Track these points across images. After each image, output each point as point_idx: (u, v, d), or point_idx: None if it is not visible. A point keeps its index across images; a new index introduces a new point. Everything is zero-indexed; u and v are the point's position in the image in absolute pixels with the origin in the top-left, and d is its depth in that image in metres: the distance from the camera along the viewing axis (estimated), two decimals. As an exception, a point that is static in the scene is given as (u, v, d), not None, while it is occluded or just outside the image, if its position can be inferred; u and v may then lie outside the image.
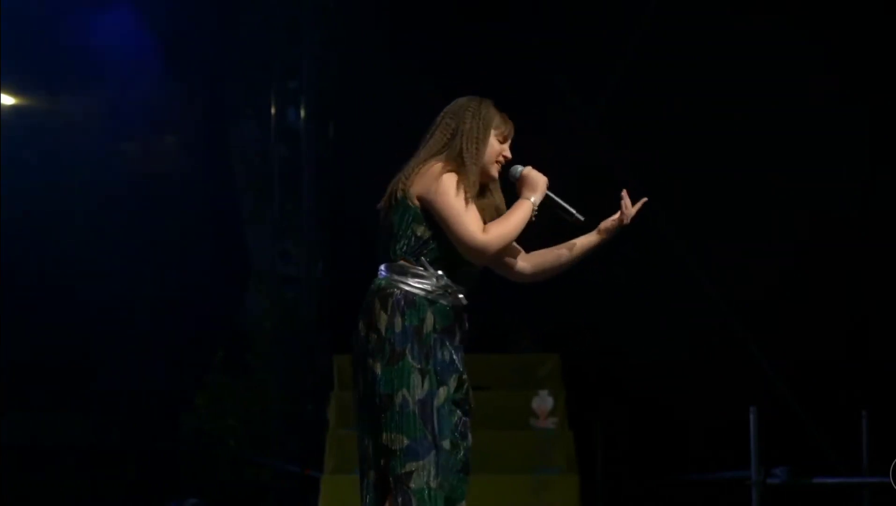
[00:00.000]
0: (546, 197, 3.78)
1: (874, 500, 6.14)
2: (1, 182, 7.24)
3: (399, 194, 3.65)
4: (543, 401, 6.99)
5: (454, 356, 3.67)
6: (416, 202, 3.63)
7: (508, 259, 3.84)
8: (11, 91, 7.64)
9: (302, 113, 8.08)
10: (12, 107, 7.70)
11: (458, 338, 3.70)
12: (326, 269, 8.08)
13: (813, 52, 7.18)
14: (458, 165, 3.66)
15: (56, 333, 7.48)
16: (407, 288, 3.61)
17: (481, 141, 3.71)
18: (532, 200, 3.73)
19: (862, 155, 7.22)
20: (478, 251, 3.64)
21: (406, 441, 3.54)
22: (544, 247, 3.88)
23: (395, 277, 3.64)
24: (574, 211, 3.79)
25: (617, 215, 3.81)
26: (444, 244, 3.64)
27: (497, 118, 3.76)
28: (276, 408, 7.80)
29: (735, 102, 7.27)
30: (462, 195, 3.62)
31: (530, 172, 3.78)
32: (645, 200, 3.81)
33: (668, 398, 7.14)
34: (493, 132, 3.74)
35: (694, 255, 7.21)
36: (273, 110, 8.11)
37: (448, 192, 3.61)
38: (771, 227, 7.23)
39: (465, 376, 3.71)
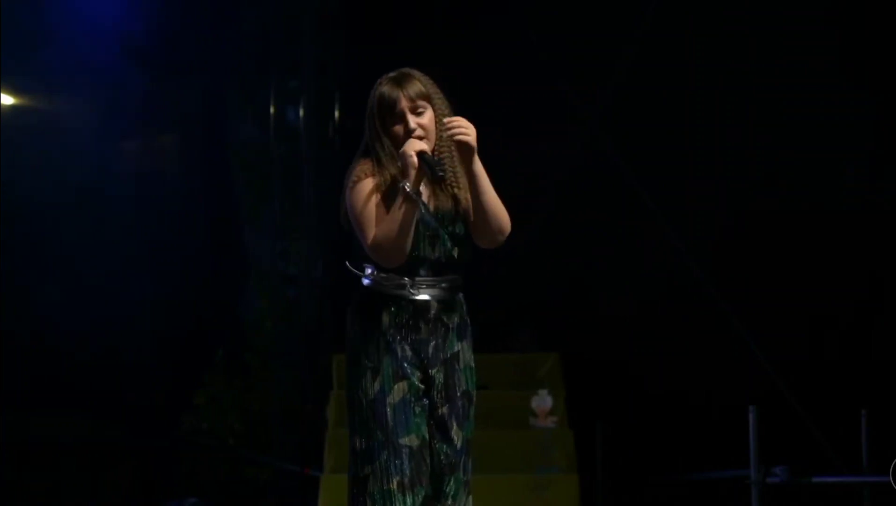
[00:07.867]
0: (421, 164, 3.41)
1: (874, 500, 6.13)
2: (0, 182, 7.24)
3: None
4: (543, 400, 6.99)
5: (417, 350, 3.57)
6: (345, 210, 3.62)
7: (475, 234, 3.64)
8: (11, 91, 7.63)
9: (302, 113, 8.08)
10: (12, 107, 7.70)
11: (423, 331, 3.58)
12: (326, 269, 8.08)
13: (813, 50, 7.18)
14: (375, 163, 3.56)
15: (55, 333, 7.48)
16: (363, 291, 3.60)
17: (378, 131, 3.56)
18: (405, 186, 3.40)
19: (865, 152, 7.22)
20: (378, 258, 3.49)
21: (364, 443, 3.53)
22: None
23: (358, 284, 3.63)
24: (437, 168, 3.41)
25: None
26: None
27: (378, 100, 3.53)
28: (276, 407, 7.80)
29: (735, 102, 7.27)
30: (361, 202, 3.49)
31: (402, 151, 3.45)
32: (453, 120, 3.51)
33: (668, 398, 7.14)
34: (384, 114, 3.53)
35: (694, 254, 7.21)
36: (273, 110, 8.10)
37: (352, 205, 3.53)
38: (771, 225, 7.23)
39: (435, 371, 3.58)
